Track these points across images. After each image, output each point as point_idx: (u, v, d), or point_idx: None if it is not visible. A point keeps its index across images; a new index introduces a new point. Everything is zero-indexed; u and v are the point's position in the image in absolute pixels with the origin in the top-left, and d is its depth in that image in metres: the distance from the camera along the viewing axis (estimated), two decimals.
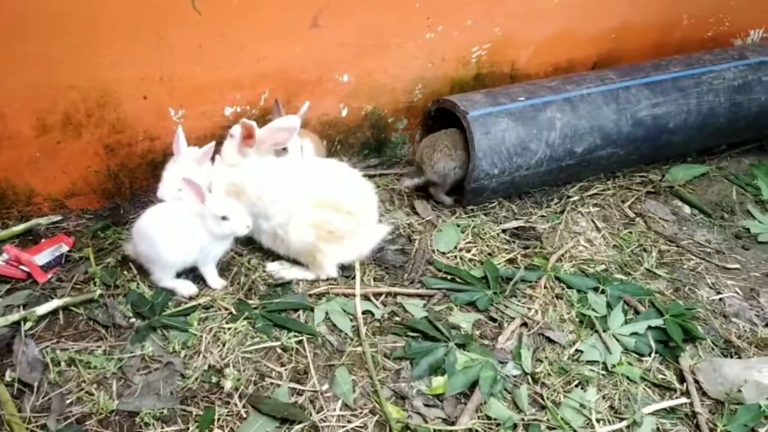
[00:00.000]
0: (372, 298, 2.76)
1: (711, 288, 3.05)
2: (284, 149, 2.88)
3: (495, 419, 2.30)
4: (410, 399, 2.37)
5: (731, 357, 2.67)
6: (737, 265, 3.21)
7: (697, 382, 2.53)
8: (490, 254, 3.09)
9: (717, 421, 2.38)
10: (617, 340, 2.67)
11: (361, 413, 2.30)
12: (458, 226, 3.23)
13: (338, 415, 2.28)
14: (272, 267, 2.83)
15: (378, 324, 2.66)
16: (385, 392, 2.37)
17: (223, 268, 2.82)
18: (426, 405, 2.36)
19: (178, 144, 2.76)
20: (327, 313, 2.65)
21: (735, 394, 2.46)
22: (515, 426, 2.29)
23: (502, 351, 2.58)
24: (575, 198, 3.54)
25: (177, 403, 2.26)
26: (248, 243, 2.92)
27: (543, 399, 2.40)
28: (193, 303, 2.63)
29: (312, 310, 2.66)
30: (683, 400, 2.46)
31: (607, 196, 3.60)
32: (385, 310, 2.71)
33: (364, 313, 2.67)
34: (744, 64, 3.74)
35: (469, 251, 3.10)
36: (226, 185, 2.75)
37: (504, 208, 3.41)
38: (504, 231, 3.25)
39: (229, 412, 2.25)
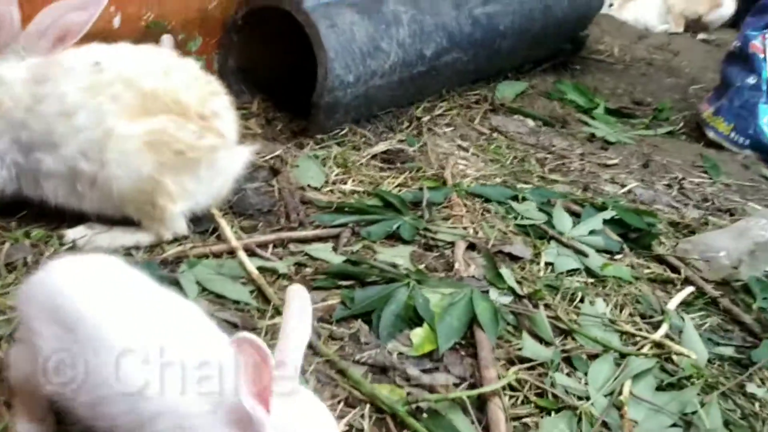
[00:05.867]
0: (258, 251, 1.76)
1: (614, 183, 2.64)
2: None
3: (533, 359, 1.52)
4: (394, 369, 1.46)
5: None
6: (616, 161, 2.87)
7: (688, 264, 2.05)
8: (371, 183, 2.29)
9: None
10: (583, 243, 2.07)
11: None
12: (316, 157, 2.36)
13: None
14: (75, 234, 1.66)
15: (286, 282, 1.68)
16: (357, 369, 1.43)
17: None
18: (423, 371, 1.47)
19: None
20: (199, 283, 1.60)
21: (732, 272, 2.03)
22: (558, 364, 1.54)
23: (472, 279, 1.79)
24: (425, 118, 2.90)
25: None
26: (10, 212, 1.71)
27: (561, 322, 1.68)
28: None
29: (177, 283, 1.57)
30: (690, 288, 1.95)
31: (453, 116, 3.02)
32: (287, 263, 1.74)
33: (260, 270, 1.67)
34: None
35: (345, 183, 2.26)
36: None
37: (357, 135, 2.61)
38: (373, 157, 2.47)
39: None
